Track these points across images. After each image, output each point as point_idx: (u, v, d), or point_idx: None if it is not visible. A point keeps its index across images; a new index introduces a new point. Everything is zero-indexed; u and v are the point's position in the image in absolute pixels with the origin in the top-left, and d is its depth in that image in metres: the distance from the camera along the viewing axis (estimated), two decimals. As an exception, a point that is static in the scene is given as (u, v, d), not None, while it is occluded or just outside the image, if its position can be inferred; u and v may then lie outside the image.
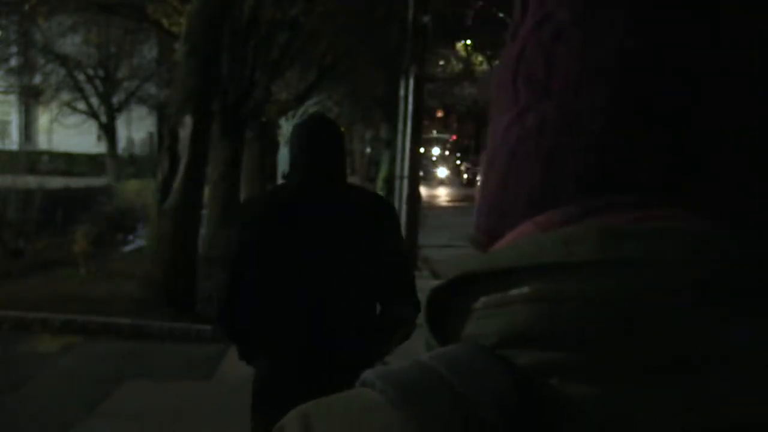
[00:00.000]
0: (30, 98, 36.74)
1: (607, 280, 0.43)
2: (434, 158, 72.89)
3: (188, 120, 9.23)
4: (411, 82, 15.39)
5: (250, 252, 3.01)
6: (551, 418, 0.43)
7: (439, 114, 70.01)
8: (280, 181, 22.75)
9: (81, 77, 28.88)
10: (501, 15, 31.04)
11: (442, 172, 63.20)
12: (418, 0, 15.29)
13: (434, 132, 66.83)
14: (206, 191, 12.10)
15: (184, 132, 9.25)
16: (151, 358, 7.76)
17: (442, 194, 45.50)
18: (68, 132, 33.69)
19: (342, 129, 3.31)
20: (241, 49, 13.51)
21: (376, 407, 0.46)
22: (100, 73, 28.96)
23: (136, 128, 37.81)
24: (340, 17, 16.30)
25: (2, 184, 13.93)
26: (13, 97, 38.39)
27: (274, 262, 2.99)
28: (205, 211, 12.72)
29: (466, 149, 77.65)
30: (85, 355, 7.83)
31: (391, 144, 21.21)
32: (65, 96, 30.80)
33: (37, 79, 32.13)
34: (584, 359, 0.43)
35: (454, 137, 77.04)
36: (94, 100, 29.87)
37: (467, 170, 62.44)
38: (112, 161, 28.37)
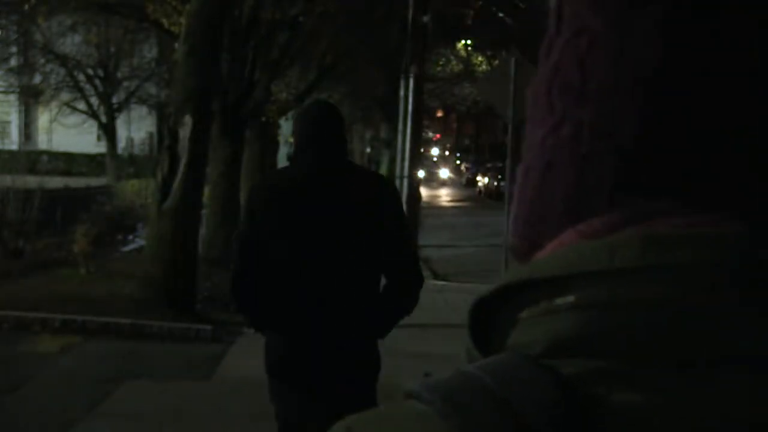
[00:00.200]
0: (30, 98, 36.75)
1: (654, 286, 0.44)
2: (435, 159, 72.89)
3: (188, 120, 9.23)
4: (411, 82, 15.38)
5: (260, 230, 3.21)
6: (598, 427, 0.43)
7: (439, 114, 70.06)
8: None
9: (81, 77, 28.89)
10: (501, 15, 31.06)
11: (444, 173, 63.25)
12: (418, 0, 15.28)
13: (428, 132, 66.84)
14: (206, 191, 12.10)
15: (184, 132, 9.25)
16: (151, 358, 7.75)
17: (444, 195, 45.50)
18: (68, 132, 33.71)
19: (341, 112, 3.49)
20: (241, 49, 13.51)
21: (424, 418, 0.46)
22: (100, 72, 28.98)
23: (136, 128, 37.83)
24: (340, 17, 16.29)
25: (2, 184, 13.92)
26: (13, 97, 38.40)
27: (283, 239, 3.18)
28: (205, 211, 12.72)
29: (466, 149, 77.67)
30: (85, 355, 7.82)
31: (391, 144, 21.23)
32: (65, 96, 30.82)
33: (37, 79, 32.15)
34: (632, 366, 0.43)
35: (438, 136, 76.91)
36: (94, 100, 29.89)
37: (467, 170, 62.46)
38: (112, 161, 28.37)
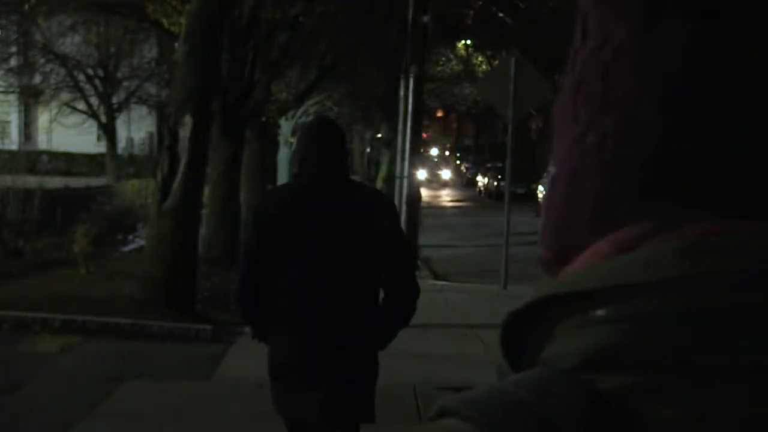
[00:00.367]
0: (30, 98, 36.75)
1: (691, 296, 0.44)
2: (435, 159, 72.80)
3: (188, 120, 9.23)
4: (411, 82, 15.38)
5: (266, 241, 3.38)
6: None
7: (439, 114, 70.05)
8: (280, 180, 22.75)
9: (81, 77, 28.89)
10: (501, 15, 31.05)
11: (445, 174, 63.20)
12: (418, 0, 15.28)
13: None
14: (206, 191, 12.10)
15: (184, 132, 9.25)
16: (151, 358, 7.75)
17: (445, 195, 45.48)
18: (68, 132, 33.73)
19: (343, 129, 3.71)
20: (241, 49, 13.51)
21: None
22: (100, 72, 28.98)
23: (136, 128, 37.84)
24: (340, 17, 16.28)
25: (2, 184, 13.92)
26: (13, 97, 38.40)
27: (288, 249, 3.35)
28: (205, 211, 12.72)
29: (466, 149, 77.66)
30: (85, 355, 7.82)
31: (390, 144, 21.21)
32: (65, 96, 30.82)
33: (37, 79, 32.15)
34: (669, 380, 0.43)
35: (424, 135, 76.82)
36: (94, 100, 29.88)
37: (467, 170, 62.42)
38: (112, 161, 28.37)
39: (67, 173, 32.62)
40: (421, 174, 35.66)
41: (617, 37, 0.50)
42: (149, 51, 29.11)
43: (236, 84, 13.60)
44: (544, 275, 0.53)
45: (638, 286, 0.45)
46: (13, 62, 31.01)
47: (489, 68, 28.29)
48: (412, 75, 15.39)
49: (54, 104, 31.56)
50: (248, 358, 7.80)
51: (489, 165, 48.78)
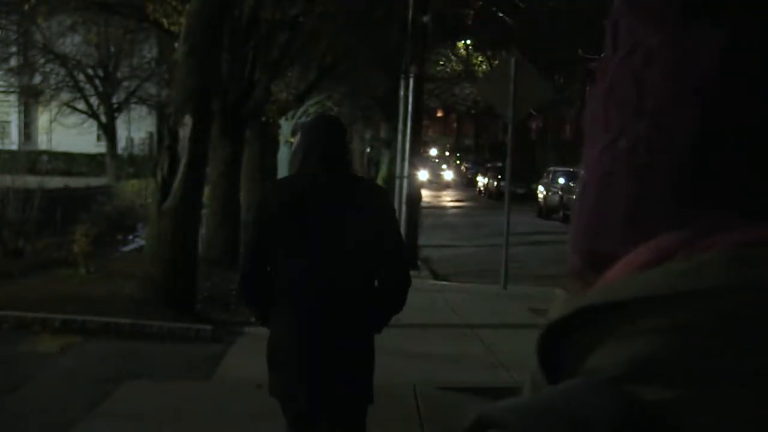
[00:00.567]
0: (30, 98, 36.75)
1: (741, 305, 0.43)
2: (436, 160, 72.78)
3: (188, 120, 9.23)
4: (411, 82, 15.39)
5: (269, 229, 3.57)
6: None
7: (439, 114, 70.04)
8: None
9: (81, 77, 28.88)
10: (501, 15, 31.04)
11: (448, 175, 63.17)
12: (418, 0, 15.29)
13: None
14: (206, 191, 12.10)
15: (184, 132, 9.25)
16: (151, 358, 7.75)
17: (446, 196, 45.47)
18: (68, 132, 33.73)
19: (345, 126, 3.92)
20: (241, 49, 13.51)
21: None
22: (100, 72, 28.98)
23: (136, 128, 37.84)
24: (340, 17, 16.28)
25: (2, 184, 13.92)
26: (13, 97, 38.40)
27: (290, 237, 3.54)
28: (205, 211, 12.72)
29: (466, 149, 77.66)
30: (85, 355, 7.82)
31: (390, 144, 21.22)
32: (65, 96, 30.82)
33: (37, 79, 32.15)
34: (715, 392, 0.42)
35: (430, 133, 76.78)
36: (94, 100, 29.88)
37: (467, 170, 62.40)
38: (112, 161, 28.37)
39: (67, 173, 32.61)
40: (423, 175, 35.63)
41: (650, 43, 0.50)
42: (149, 51, 29.11)
43: (236, 84, 13.60)
44: (573, 282, 0.52)
45: (683, 296, 0.44)
46: (13, 62, 31.01)
47: (489, 68, 28.30)
48: (412, 75, 15.40)
49: (54, 104, 31.56)
50: (248, 358, 7.80)
51: (489, 165, 48.79)
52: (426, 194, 33.87)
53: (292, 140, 22.20)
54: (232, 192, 13.85)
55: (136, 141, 38.15)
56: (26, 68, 31.78)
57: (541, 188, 32.88)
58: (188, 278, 9.43)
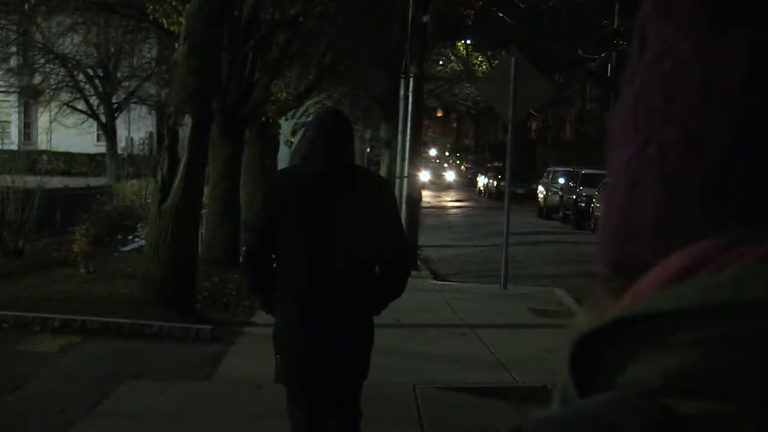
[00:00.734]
0: (30, 98, 36.73)
1: None
2: (437, 161, 72.75)
3: (188, 120, 9.23)
4: (411, 82, 15.39)
5: (275, 216, 3.73)
6: None
7: (439, 114, 70.05)
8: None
9: (81, 77, 28.87)
10: (501, 15, 31.03)
11: (450, 176, 63.21)
12: (418, 0, 15.29)
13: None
14: (206, 191, 12.10)
15: (184, 132, 9.25)
16: (151, 358, 7.75)
17: (448, 196, 45.47)
18: (68, 132, 33.71)
19: (350, 119, 4.15)
20: (241, 49, 13.51)
21: None
22: (100, 72, 28.95)
23: (136, 128, 37.82)
24: (340, 17, 16.29)
25: (2, 184, 13.91)
26: (13, 97, 38.38)
27: (295, 224, 3.70)
28: (205, 211, 12.72)
29: (466, 149, 77.67)
30: (84, 355, 7.82)
31: (390, 144, 21.22)
32: (65, 96, 30.80)
33: (37, 79, 32.13)
34: (757, 407, 0.42)
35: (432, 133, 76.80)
36: (94, 100, 29.86)
37: (467, 170, 62.41)
38: (112, 161, 28.35)
39: (67, 173, 32.59)
40: (425, 176, 35.58)
41: (680, 49, 0.49)
42: (149, 51, 29.08)
43: (236, 84, 13.60)
44: (601, 289, 0.52)
45: (727, 307, 0.43)
46: (13, 62, 31.00)
47: (489, 68, 28.30)
48: (412, 75, 15.39)
49: (54, 104, 31.54)
50: (248, 358, 7.81)
51: (489, 165, 48.79)
52: (427, 195, 33.90)
53: (292, 140, 22.19)
54: (232, 192, 13.84)
55: (136, 141, 38.12)
56: (26, 68, 31.78)
57: (541, 188, 32.88)
58: (188, 278, 9.43)
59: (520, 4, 29.55)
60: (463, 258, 18.54)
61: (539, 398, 6.65)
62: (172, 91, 10.21)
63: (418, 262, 15.55)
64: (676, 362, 0.44)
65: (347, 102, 25.62)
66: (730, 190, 0.46)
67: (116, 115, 30.41)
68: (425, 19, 15.42)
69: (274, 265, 3.85)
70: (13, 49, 29.41)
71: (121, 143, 32.59)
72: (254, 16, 13.72)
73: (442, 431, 6.11)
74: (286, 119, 20.44)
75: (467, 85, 36.36)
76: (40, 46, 27.56)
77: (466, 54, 38.17)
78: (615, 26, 32.61)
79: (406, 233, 4.23)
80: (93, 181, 24.07)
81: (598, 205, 23.04)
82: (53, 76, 29.81)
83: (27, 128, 40.39)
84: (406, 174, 15.33)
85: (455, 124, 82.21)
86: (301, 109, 20.93)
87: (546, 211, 31.24)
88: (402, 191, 15.05)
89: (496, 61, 21.56)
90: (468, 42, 36.86)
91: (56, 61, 28.16)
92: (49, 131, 34.01)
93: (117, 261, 12.55)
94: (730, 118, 0.46)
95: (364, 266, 3.78)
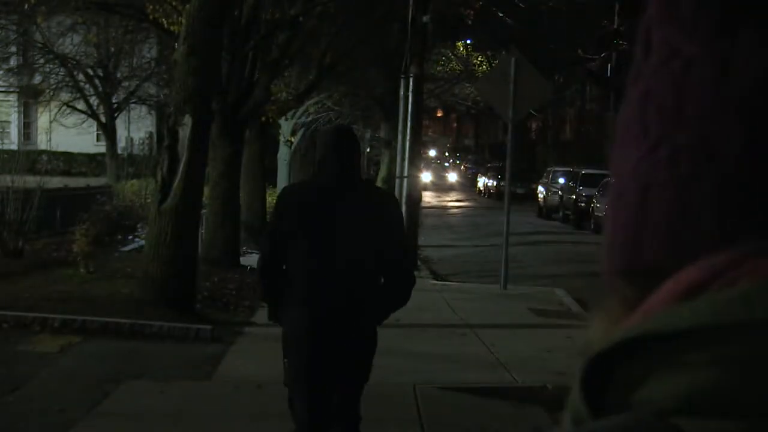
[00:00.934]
0: (29, 98, 36.72)
1: None
2: (438, 161, 72.77)
3: (188, 120, 9.23)
4: (411, 82, 15.39)
5: (285, 228, 3.96)
6: None
7: (439, 114, 70.04)
8: (279, 180, 22.73)
9: (80, 77, 28.86)
10: (501, 15, 31.03)
11: (452, 177, 63.27)
12: (418, 0, 15.29)
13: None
14: (206, 191, 12.09)
15: (184, 132, 9.25)
16: (151, 358, 7.75)
17: (448, 197, 45.48)
18: (68, 132, 33.69)
19: (357, 135, 4.38)
20: (241, 49, 13.51)
21: None
22: (100, 72, 28.94)
23: (136, 128, 37.80)
24: (340, 17, 16.28)
25: (2, 184, 13.91)
26: (12, 97, 38.37)
27: (307, 238, 3.89)
28: (204, 211, 12.71)
29: (466, 149, 77.68)
30: (84, 355, 7.82)
31: (390, 144, 21.22)
32: (65, 96, 30.78)
33: (37, 79, 32.11)
34: None
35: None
36: (94, 100, 29.85)
37: (467, 170, 62.45)
38: (112, 161, 28.35)
39: (67, 173, 32.57)
40: (426, 177, 35.51)
41: (688, 51, 0.48)
42: (149, 51, 29.07)
43: (236, 84, 13.59)
44: (611, 300, 0.51)
45: (741, 326, 0.42)
46: (13, 62, 30.99)
47: (489, 68, 28.31)
48: (412, 75, 15.39)
49: (54, 104, 31.53)
50: (248, 358, 7.81)
51: (489, 165, 48.79)
52: (429, 196, 33.90)
53: (292, 140, 22.19)
54: (232, 192, 13.84)
55: (136, 141, 38.11)
56: (26, 68, 31.76)
57: (541, 188, 32.89)
58: (188, 278, 9.43)
59: (520, 4, 29.55)
60: (463, 258, 18.54)
61: (539, 398, 6.65)
62: (172, 91, 10.21)
63: (418, 262, 15.55)
64: (689, 382, 0.43)
65: (347, 102, 25.62)
66: (743, 197, 0.45)
67: (116, 115, 30.40)
68: (425, 19, 15.42)
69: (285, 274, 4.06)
70: (13, 49, 29.40)
71: (121, 143, 32.58)
72: (254, 16, 13.72)
73: (442, 431, 6.12)
74: (286, 119, 20.43)
75: (467, 85, 36.34)
76: (40, 46, 27.55)
77: (466, 54, 38.16)
78: (615, 26, 32.62)
79: (410, 248, 4.59)
80: (93, 181, 24.06)
81: (598, 205, 23.05)
82: (53, 76, 29.79)
83: (27, 128, 40.39)
84: (406, 174, 15.33)
85: (455, 124, 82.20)
86: (301, 109, 20.92)
87: (546, 211, 31.24)
88: (402, 191, 15.05)
89: (496, 61, 21.56)
90: (468, 42, 36.85)
91: (56, 61, 28.15)
92: (49, 131, 33.98)
93: (117, 261, 12.55)
94: (741, 123, 0.46)
95: (369, 276, 3.97)
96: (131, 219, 16.93)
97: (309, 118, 23.40)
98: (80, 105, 30.44)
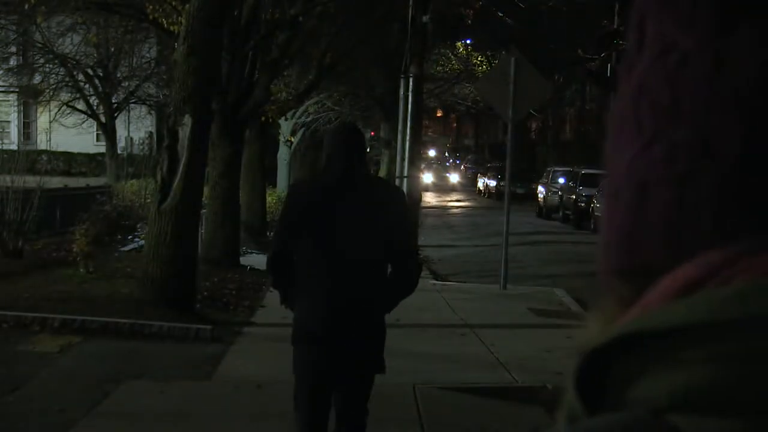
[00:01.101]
0: (29, 98, 36.71)
1: None
2: (438, 162, 72.76)
3: (188, 120, 9.23)
4: (411, 82, 15.39)
5: (294, 223, 4.08)
6: None
7: (439, 114, 70.04)
8: (279, 179, 22.73)
9: (80, 77, 28.86)
10: (501, 15, 31.02)
11: (454, 178, 63.27)
12: (418, 0, 15.29)
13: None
14: (206, 191, 12.10)
15: (184, 132, 9.25)
16: (151, 358, 7.75)
17: (449, 198, 45.49)
18: (67, 132, 33.69)
19: (363, 133, 4.54)
20: (241, 49, 13.51)
21: None
22: (100, 72, 28.94)
23: (136, 128, 37.80)
24: (340, 17, 16.28)
25: (1, 184, 13.91)
26: (12, 97, 38.37)
27: (316, 231, 4.00)
28: (204, 211, 12.71)
29: (466, 149, 77.66)
30: (84, 355, 7.82)
31: (390, 144, 21.22)
32: (64, 96, 30.78)
33: (37, 79, 32.10)
34: None
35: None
36: (94, 100, 29.85)
37: (466, 170, 62.43)
38: (112, 161, 28.34)
39: (67, 173, 32.59)
40: (428, 178, 35.43)
41: (683, 45, 0.48)
42: (149, 51, 29.07)
43: (236, 84, 13.60)
44: (607, 299, 0.50)
45: (736, 323, 0.42)
46: (12, 62, 30.98)
47: (489, 68, 28.29)
48: (412, 75, 15.40)
49: (54, 104, 31.53)
50: (248, 358, 7.81)
51: (489, 165, 48.79)
52: (429, 196, 33.87)
53: (292, 140, 22.19)
54: (231, 192, 13.85)
55: (136, 141, 38.11)
56: (26, 68, 31.74)
57: (541, 188, 32.88)
58: (188, 278, 9.43)
59: (520, 4, 29.53)
60: (463, 258, 18.54)
61: (539, 398, 6.65)
62: (172, 91, 10.21)
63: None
64: (685, 379, 0.43)
65: (347, 102, 25.61)
66: (741, 195, 0.45)
67: (116, 115, 30.40)
68: (425, 19, 15.42)
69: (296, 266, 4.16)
70: (13, 48, 29.40)
71: (121, 143, 32.57)
72: (254, 16, 13.72)
73: (442, 431, 6.12)
74: (286, 119, 20.44)
75: (467, 85, 36.32)
76: (40, 46, 27.54)
77: (466, 54, 38.15)
78: (615, 26, 32.62)
79: (416, 237, 4.66)
80: (93, 181, 24.06)
81: (598, 205, 23.06)
82: (53, 76, 29.78)
83: (26, 128, 40.40)
84: (405, 174, 15.34)
85: (455, 124, 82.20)
86: (301, 109, 20.93)
87: (546, 211, 31.24)
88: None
89: (496, 61, 21.55)
90: (468, 42, 36.84)
91: (56, 61, 28.14)
92: (49, 131, 33.97)
93: (117, 261, 12.55)
94: (739, 119, 0.45)
95: (377, 269, 4.08)
96: (131, 219, 16.93)
97: (309, 118, 23.41)
98: (80, 105, 30.45)
